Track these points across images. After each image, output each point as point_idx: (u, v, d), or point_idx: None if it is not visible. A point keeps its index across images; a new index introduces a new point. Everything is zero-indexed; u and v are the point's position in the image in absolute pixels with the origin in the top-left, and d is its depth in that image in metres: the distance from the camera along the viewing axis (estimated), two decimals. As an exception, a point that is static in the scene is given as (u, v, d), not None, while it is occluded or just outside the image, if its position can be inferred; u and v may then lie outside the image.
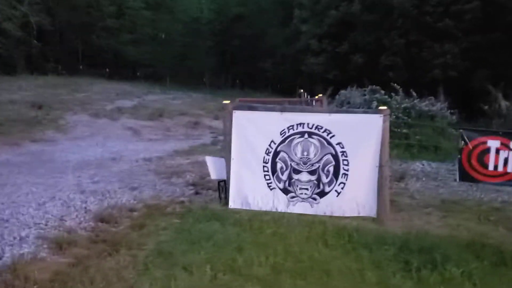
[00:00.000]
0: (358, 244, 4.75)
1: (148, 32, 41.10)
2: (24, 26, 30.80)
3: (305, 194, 6.29)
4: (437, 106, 14.90)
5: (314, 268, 4.13)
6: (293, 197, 6.33)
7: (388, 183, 6.16)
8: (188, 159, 10.83)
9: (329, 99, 16.72)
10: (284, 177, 6.38)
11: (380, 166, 5.99)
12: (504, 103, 14.03)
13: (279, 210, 6.18)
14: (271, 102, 13.62)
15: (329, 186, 6.22)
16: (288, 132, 6.37)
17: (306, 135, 6.31)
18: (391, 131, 6.49)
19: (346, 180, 6.15)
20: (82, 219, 5.69)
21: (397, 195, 7.32)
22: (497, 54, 22.57)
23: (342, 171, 6.17)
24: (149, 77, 40.51)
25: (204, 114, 21.56)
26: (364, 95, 15.20)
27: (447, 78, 23.38)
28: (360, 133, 6.13)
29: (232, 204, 6.42)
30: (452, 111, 15.98)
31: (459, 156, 6.37)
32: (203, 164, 10.02)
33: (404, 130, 12.50)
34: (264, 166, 6.45)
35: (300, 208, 6.25)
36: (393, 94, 14.79)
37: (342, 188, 6.17)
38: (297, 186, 6.32)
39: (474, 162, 6.19)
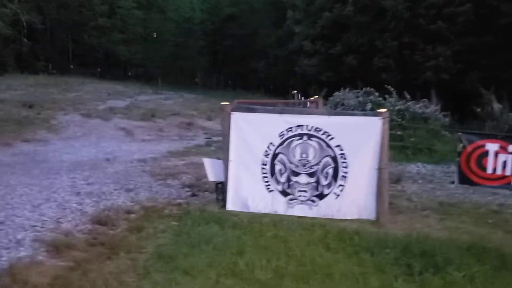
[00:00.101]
0: (360, 247, 4.73)
1: (139, 32, 40.96)
2: (14, 25, 30.53)
3: (304, 196, 6.25)
4: (430, 108, 14.97)
5: (317, 272, 4.09)
6: (291, 199, 6.29)
7: (388, 185, 6.14)
8: (183, 160, 10.76)
9: (323, 101, 16.72)
10: (283, 179, 6.34)
11: (380, 169, 5.98)
12: (497, 106, 14.11)
13: (277, 213, 6.14)
14: (269, 104, 13.58)
15: (328, 189, 6.19)
16: (287, 134, 6.34)
17: (305, 137, 6.28)
18: (386, 133, 6.47)
19: (345, 182, 6.13)
20: (78, 221, 5.61)
21: (394, 197, 7.30)
22: (489, 56, 22.72)
23: (341, 173, 6.15)
24: (141, 77, 40.38)
25: (197, 115, 21.47)
26: (358, 97, 15.24)
27: (439, 81, 23.51)
28: (359, 136, 6.11)
29: (230, 206, 6.37)
30: (445, 113, 16.08)
31: (457, 159, 6.37)
32: (199, 165, 9.99)
33: (399, 132, 12.52)
34: (262, 168, 6.40)
35: (299, 210, 6.21)
36: (387, 96, 14.84)
37: (341, 191, 6.14)
38: (296, 188, 6.29)
39: (472, 165, 6.20)
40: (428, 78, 23.57)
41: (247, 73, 43.26)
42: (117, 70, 41.48)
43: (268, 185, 6.38)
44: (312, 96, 20.15)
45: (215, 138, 15.86)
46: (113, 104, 21.72)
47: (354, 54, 25.97)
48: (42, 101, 19.47)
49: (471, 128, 16.40)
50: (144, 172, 9.10)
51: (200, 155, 11.58)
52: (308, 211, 6.19)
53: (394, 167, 10.03)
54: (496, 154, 6.14)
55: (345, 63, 26.02)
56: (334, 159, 6.17)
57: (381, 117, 6.02)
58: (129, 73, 43.00)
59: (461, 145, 6.24)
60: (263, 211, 6.16)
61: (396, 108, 13.82)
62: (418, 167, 10.52)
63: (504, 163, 6.11)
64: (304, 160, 6.27)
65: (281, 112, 6.62)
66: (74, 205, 6.32)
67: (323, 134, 6.21)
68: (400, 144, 11.77)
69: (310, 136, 6.26)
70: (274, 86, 42.00)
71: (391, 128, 11.75)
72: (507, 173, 6.15)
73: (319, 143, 6.22)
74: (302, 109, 10.81)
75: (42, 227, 5.26)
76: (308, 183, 6.26)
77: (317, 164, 6.23)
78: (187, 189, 7.82)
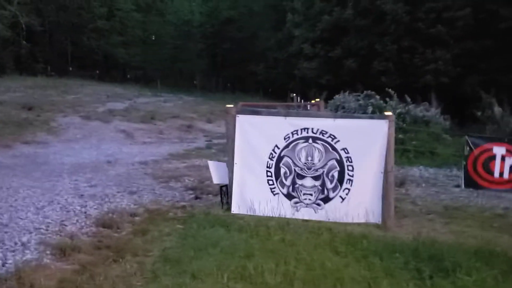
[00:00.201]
0: (368, 251, 4.68)
1: (138, 34, 40.93)
2: (13, 27, 30.48)
3: (309, 199, 6.22)
4: (431, 111, 14.98)
5: (327, 277, 4.04)
6: (296, 202, 6.25)
7: (394, 189, 6.11)
8: (185, 163, 10.72)
9: (324, 104, 16.70)
10: (288, 182, 6.30)
11: (386, 172, 5.95)
12: (497, 109, 14.11)
13: (282, 216, 6.09)
14: (273, 106, 13.55)
15: (333, 192, 6.15)
16: (292, 137, 6.30)
17: (310, 140, 6.24)
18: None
19: (351, 185, 6.10)
20: (83, 224, 5.56)
21: (399, 201, 7.26)
22: (489, 60, 22.77)
23: (347, 176, 6.11)
24: (140, 79, 40.34)
25: (197, 117, 21.45)
26: (359, 100, 15.22)
27: (438, 84, 23.53)
28: (365, 139, 6.08)
29: (235, 209, 6.32)
30: (445, 116, 16.08)
31: (464, 162, 6.34)
32: (200, 168, 10.01)
33: (400, 135, 12.50)
34: (267, 171, 6.37)
35: (304, 213, 6.17)
36: (387, 99, 14.84)
37: (346, 194, 6.11)
38: (301, 191, 6.25)
39: (479, 168, 6.17)
40: (427, 82, 23.59)
41: (246, 76, 43.23)
42: (115, 73, 41.42)
43: (273, 188, 6.34)
44: (311, 99, 20.15)
45: (215, 141, 15.87)
46: (112, 106, 21.70)
47: (353, 58, 25.98)
48: (41, 103, 19.43)
49: (471, 131, 16.42)
50: (146, 175, 9.06)
51: (201, 158, 11.58)
52: (313, 214, 6.15)
53: (397, 171, 10.00)
54: (503, 157, 6.11)
55: (345, 67, 26.04)
56: (340, 162, 6.14)
57: (387, 120, 5.99)
58: (128, 76, 42.93)
59: (467, 148, 6.21)
60: (268, 214, 6.11)
61: (397, 111, 13.80)
62: (421, 170, 10.51)
63: (511, 167, 6.07)
64: (310, 163, 6.24)
65: (286, 114, 6.59)
66: (78, 207, 6.27)
67: (328, 137, 6.18)
68: (401, 148, 11.75)
69: (315, 139, 6.23)
70: (272, 89, 41.92)
71: (393, 131, 11.88)
72: (514, 176, 6.12)
73: (324, 146, 6.19)
74: (308, 112, 10.75)
75: (47, 230, 5.21)
76: (313, 186, 6.22)
77: (322, 167, 6.20)
78: (190, 191, 7.79)
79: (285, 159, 6.32)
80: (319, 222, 5.86)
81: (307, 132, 6.26)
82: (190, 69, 45.12)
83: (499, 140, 6.43)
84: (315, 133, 6.22)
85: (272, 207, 6.23)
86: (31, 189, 7.22)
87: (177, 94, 33.06)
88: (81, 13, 36.35)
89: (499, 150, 6.10)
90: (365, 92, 14.89)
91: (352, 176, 6.09)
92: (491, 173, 6.15)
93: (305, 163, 6.25)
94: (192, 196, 7.48)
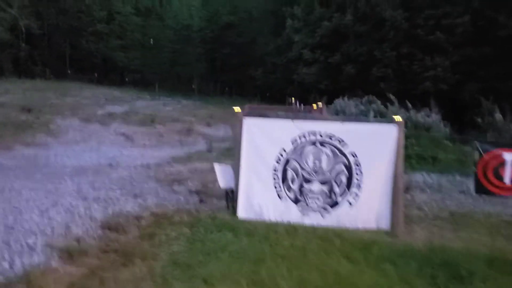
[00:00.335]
0: (381, 258, 4.62)
1: (137, 38, 40.86)
2: (13, 29, 30.41)
3: (317, 204, 6.15)
4: (432, 117, 14.98)
5: (342, 284, 3.98)
6: (304, 207, 6.17)
7: (403, 195, 6.05)
8: (187, 166, 10.63)
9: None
10: (295, 186, 6.23)
11: (395, 177, 5.89)
12: (498, 116, 14.10)
13: (289, 221, 6.00)
14: (280, 110, 13.53)
15: (341, 197, 6.09)
16: (300, 140, 6.24)
17: (318, 144, 6.18)
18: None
19: (359, 190, 6.03)
20: (88, 227, 5.47)
21: (404, 206, 7.20)
22: (487, 67, 22.84)
23: (355, 181, 6.05)
24: (138, 83, 40.30)
25: (196, 121, 21.38)
26: (360, 104, 15.22)
27: (437, 91, 23.56)
28: (374, 143, 6.02)
29: (241, 213, 6.25)
30: (445, 123, 16.08)
31: (474, 168, 6.29)
32: (203, 171, 9.92)
33: (402, 141, 12.47)
34: (274, 175, 6.30)
35: (311, 219, 6.09)
36: (388, 104, 14.84)
37: (355, 199, 6.04)
38: (308, 196, 6.18)
39: (490, 175, 6.12)
40: (426, 88, 23.63)
41: (244, 81, 43.23)
42: (114, 76, 41.34)
43: (280, 192, 6.27)
44: (311, 104, 20.16)
45: (215, 144, 15.79)
46: (111, 109, 21.61)
47: (352, 64, 26.02)
48: (40, 105, 19.32)
49: (472, 138, 16.41)
50: (149, 178, 8.97)
51: (202, 161, 11.50)
52: (321, 219, 6.07)
53: (401, 176, 9.97)
54: (514, 163, 6.07)
55: (344, 72, 26.07)
56: (348, 166, 6.08)
57: (396, 125, 5.95)
58: (126, 79, 42.87)
59: (477, 154, 6.16)
60: (274, 219, 6.04)
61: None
62: (424, 176, 10.43)
63: (523, 173, 6.03)
64: (317, 167, 6.17)
65: (294, 118, 6.54)
66: (82, 210, 6.18)
67: (336, 140, 6.12)
68: (404, 153, 11.71)
69: (323, 143, 6.17)
70: (270, 93, 41.95)
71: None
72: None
73: (332, 150, 6.13)
74: (315, 115, 10.72)
75: (52, 232, 5.12)
76: (321, 191, 6.15)
77: (330, 171, 6.13)
78: (195, 195, 7.70)
79: (292, 162, 6.25)
80: (327, 227, 5.78)
81: (315, 136, 6.20)
82: (189, 73, 45.09)
83: (509, 146, 6.39)
84: (323, 137, 6.16)
85: (278, 212, 6.16)
86: (34, 191, 7.13)
87: (176, 97, 33.00)
88: (81, 16, 36.30)
89: (509, 156, 6.05)
90: (366, 97, 14.91)
91: (361, 181, 6.03)
92: (501, 179, 6.09)
93: (313, 167, 6.19)
94: (197, 199, 7.40)
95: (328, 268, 4.28)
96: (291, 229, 5.59)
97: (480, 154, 6.11)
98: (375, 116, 13.30)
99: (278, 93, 39.47)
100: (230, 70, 42.91)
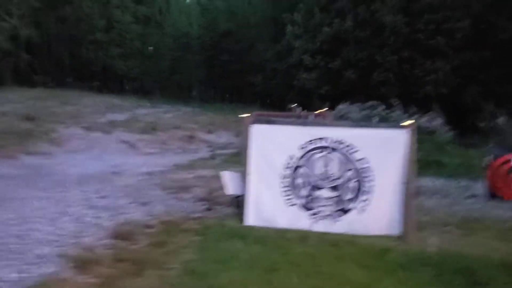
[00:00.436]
0: (396, 265, 4.58)
1: (137, 46, 40.86)
2: (13, 39, 30.39)
3: (327, 211, 6.11)
4: (435, 122, 15.00)
5: (359, 291, 3.95)
6: (313, 214, 6.14)
7: (414, 201, 6.01)
8: (192, 174, 10.61)
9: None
10: (304, 193, 6.20)
11: (406, 183, 5.86)
12: (502, 120, 14.12)
13: (298, 228, 5.96)
14: (287, 116, 13.46)
15: (352, 203, 6.06)
16: (309, 146, 6.21)
17: (327, 150, 6.15)
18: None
19: (370, 197, 5.99)
20: (99, 236, 5.44)
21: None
22: (488, 71, 22.85)
23: (365, 187, 6.02)
24: (138, 91, 40.27)
25: (198, 128, 21.35)
26: (364, 109, 15.22)
27: (438, 95, 23.56)
28: (384, 149, 5.99)
29: (250, 220, 6.21)
30: (448, 127, 16.11)
31: (485, 173, 6.25)
32: (208, 178, 9.91)
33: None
34: (283, 182, 6.26)
35: (321, 225, 6.05)
36: (392, 109, 14.85)
37: (365, 206, 6.00)
38: (318, 202, 6.15)
39: (501, 180, 6.08)
40: (427, 92, 23.61)
41: (244, 87, 43.24)
42: (114, 84, 41.30)
43: (289, 199, 6.24)
44: (312, 110, 20.10)
45: (218, 151, 15.79)
46: (112, 117, 21.56)
47: (353, 69, 25.99)
48: (41, 114, 19.22)
49: (474, 142, 16.43)
50: (154, 186, 8.95)
51: (207, 168, 11.49)
52: (331, 226, 6.03)
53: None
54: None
55: (345, 77, 26.03)
56: (358, 172, 6.05)
57: (407, 130, 5.92)
58: (126, 87, 42.84)
59: (489, 159, 6.12)
60: (284, 226, 6.00)
61: (402, 122, 13.77)
62: (429, 181, 10.41)
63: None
64: (327, 174, 6.14)
65: (302, 124, 6.51)
66: (91, 219, 6.15)
67: (346, 146, 6.09)
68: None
69: (332, 149, 6.14)
70: (270, 99, 41.99)
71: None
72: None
73: (342, 156, 6.10)
74: (324, 121, 10.67)
75: (64, 242, 5.08)
76: (330, 197, 6.12)
77: (340, 177, 6.10)
78: (201, 202, 7.68)
79: (301, 169, 6.22)
80: (337, 234, 5.74)
81: (324, 142, 6.17)
82: (188, 81, 45.15)
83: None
84: (332, 143, 6.14)
85: (288, 219, 6.13)
86: (42, 200, 7.09)
87: (176, 105, 32.97)
88: (80, 25, 36.27)
89: (521, 161, 6.03)
90: (370, 102, 14.90)
91: (371, 187, 5.99)
92: (514, 184, 6.06)
93: (322, 174, 6.16)
94: (204, 207, 7.38)
95: (343, 277, 4.25)
96: (302, 236, 5.55)
97: (492, 159, 6.07)
98: (380, 121, 13.30)
99: (278, 99, 39.45)
100: (229, 76, 42.90)
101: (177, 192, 8.36)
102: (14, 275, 4.11)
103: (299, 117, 19.17)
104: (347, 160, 6.08)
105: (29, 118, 17.54)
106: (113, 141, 16.26)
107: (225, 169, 8.57)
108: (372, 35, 25.96)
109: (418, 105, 16.96)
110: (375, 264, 4.62)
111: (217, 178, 9.46)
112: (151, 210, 6.93)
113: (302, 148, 6.23)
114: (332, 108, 17.31)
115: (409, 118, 14.16)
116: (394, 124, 10.33)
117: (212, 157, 14.26)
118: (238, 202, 6.61)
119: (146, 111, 26.32)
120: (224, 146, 17.59)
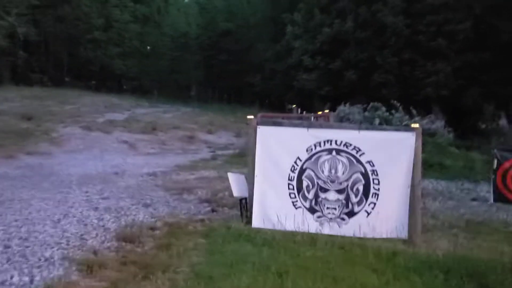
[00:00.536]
0: (405, 268, 4.52)
1: (135, 46, 40.79)
2: (11, 37, 30.25)
3: (333, 214, 6.04)
4: (436, 123, 14.96)
5: (371, 295, 3.89)
6: (319, 216, 6.07)
7: (421, 203, 5.96)
8: (193, 175, 10.54)
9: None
10: (311, 195, 6.13)
11: (413, 186, 5.80)
12: (504, 122, 14.10)
13: (304, 230, 5.90)
14: (293, 118, 13.43)
15: (358, 206, 5.98)
16: (315, 149, 6.14)
17: (334, 152, 6.08)
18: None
19: (377, 200, 5.93)
20: (103, 238, 5.35)
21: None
22: (489, 73, 22.84)
23: (372, 190, 5.95)
24: (136, 90, 40.20)
25: (197, 128, 21.30)
26: (364, 111, 15.16)
27: (439, 97, 23.56)
28: (391, 151, 5.93)
29: (256, 223, 6.13)
30: (449, 129, 16.08)
31: (493, 176, 6.21)
32: (210, 180, 9.86)
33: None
34: (289, 184, 6.19)
35: (328, 228, 5.99)
36: (393, 111, 14.80)
37: (372, 208, 5.93)
38: (324, 205, 6.07)
39: (509, 183, 6.03)
40: (428, 94, 23.60)
41: (243, 87, 43.22)
42: (112, 83, 41.21)
43: (295, 201, 6.16)
44: (311, 111, 20.08)
45: (219, 152, 15.72)
46: (111, 117, 21.50)
47: (353, 70, 25.97)
48: (40, 113, 19.17)
49: (476, 143, 16.44)
50: (157, 187, 8.88)
51: (208, 169, 11.44)
52: (337, 229, 5.96)
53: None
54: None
55: (345, 78, 26.01)
56: (365, 175, 5.98)
57: (414, 132, 5.87)
58: (124, 86, 42.75)
59: (496, 162, 6.08)
60: (290, 229, 5.93)
61: (404, 123, 13.77)
62: (432, 183, 10.38)
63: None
64: (333, 176, 6.07)
65: (309, 126, 6.45)
66: (95, 221, 6.06)
67: (353, 149, 6.03)
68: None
69: (339, 151, 6.07)
70: (269, 100, 41.95)
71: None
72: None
73: (348, 159, 6.03)
74: (330, 124, 10.63)
75: (68, 244, 4.99)
76: (337, 200, 6.05)
77: (346, 180, 6.03)
78: (205, 204, 7.62)
79: (308, 171, 6.15)
80: (344, 237, 5.67)
81: (331, 144, 6.10)
82: (187, 80, 45.14)
83: (529, 153, 6.32)
84: (339, 145, 6.06)
85: (294, 221, 6.05)
86: (44, 201, 7.01)
87: (174, 105, 32.96)
88: (79, 24, 36.19)
89: (529, 164, 5.99)
90: (371, 104, 14.84)
91: (378, 190, 5.93)
92: (522, 187, 6.02)
93: (329, 176, 6.08)
94: (208, 209, 7.32)
95: (355, 280, 4.18)
96: (310, 239, 5.48)
97: (499, 162, 6.03)
98: (380, 123, 13.24)
99: (277, 100, 39.46)
100: (228, 77, 42.89)
101: (180, 194, 8.28)
102: (18, 279, 4.03)
103: (300, 118, 19.16)
104: (354, 162, 6.00)
105: (28, 118, 17.45)
106: (112, 141, 16.19)
107: (229, 170, 8.53)
108: (373, 36, 25.95)
109: (418, 106, 16.95)
110: (384, 267, 4.55)
111: (220, 179, 9.47)
112: (155, 211, 6.85)
113: (309, 150, 6.15)
114: (332, 109, 17.27)
115: (410, 119, 14.18)
116: (402, 126, 10.29)
117: (213, 158, 14.19)
118: (243, 204, 6.54)
119: (145, 111, 26.29)
120: (224, 147, 17.53)
